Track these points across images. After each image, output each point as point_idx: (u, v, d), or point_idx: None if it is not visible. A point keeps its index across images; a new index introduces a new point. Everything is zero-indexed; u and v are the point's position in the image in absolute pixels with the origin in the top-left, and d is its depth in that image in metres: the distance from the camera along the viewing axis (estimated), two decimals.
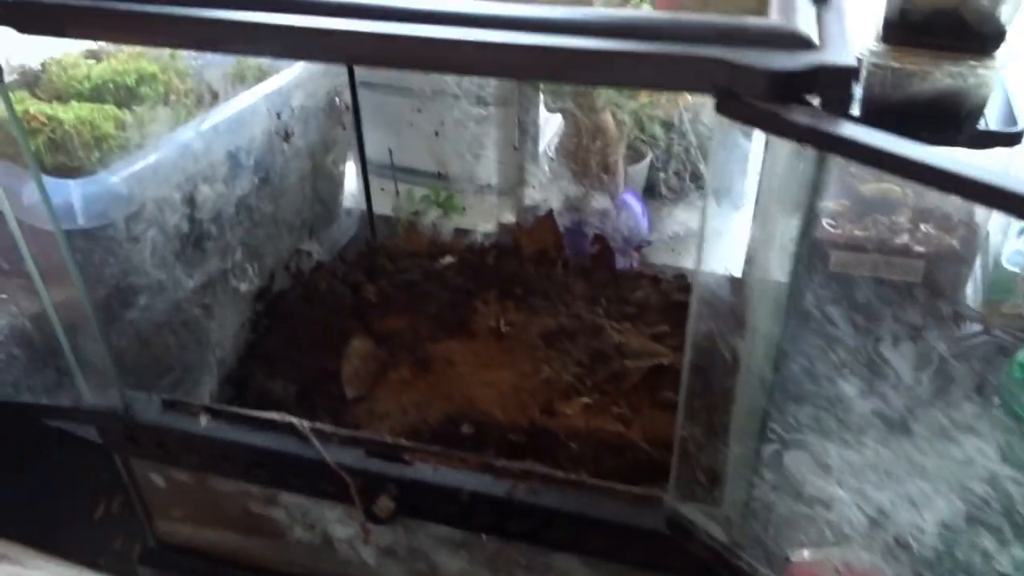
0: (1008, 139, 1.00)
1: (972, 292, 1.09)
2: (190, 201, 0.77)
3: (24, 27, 0.50)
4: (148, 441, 0.69)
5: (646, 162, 1.24)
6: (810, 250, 0.48)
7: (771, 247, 0.53)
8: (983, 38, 0.92)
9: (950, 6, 0.93)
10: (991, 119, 1.03)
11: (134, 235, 0.73)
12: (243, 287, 0.86)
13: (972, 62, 0.93)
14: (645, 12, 0.41)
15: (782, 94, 0.37)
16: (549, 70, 0.43)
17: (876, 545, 0.50)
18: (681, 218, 1.02)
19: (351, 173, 1.12)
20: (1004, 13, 0.92)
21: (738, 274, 0.70)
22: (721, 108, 0.39)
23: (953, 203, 1.12)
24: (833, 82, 0.38)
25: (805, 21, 0.41)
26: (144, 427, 0.68)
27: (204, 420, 0.68)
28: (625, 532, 0.61)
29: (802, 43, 0.39)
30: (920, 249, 1.08)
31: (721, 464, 0.53)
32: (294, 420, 0.66)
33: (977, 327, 1.04)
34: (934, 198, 1.08)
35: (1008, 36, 0.74)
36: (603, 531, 0.61)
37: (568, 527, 0.62)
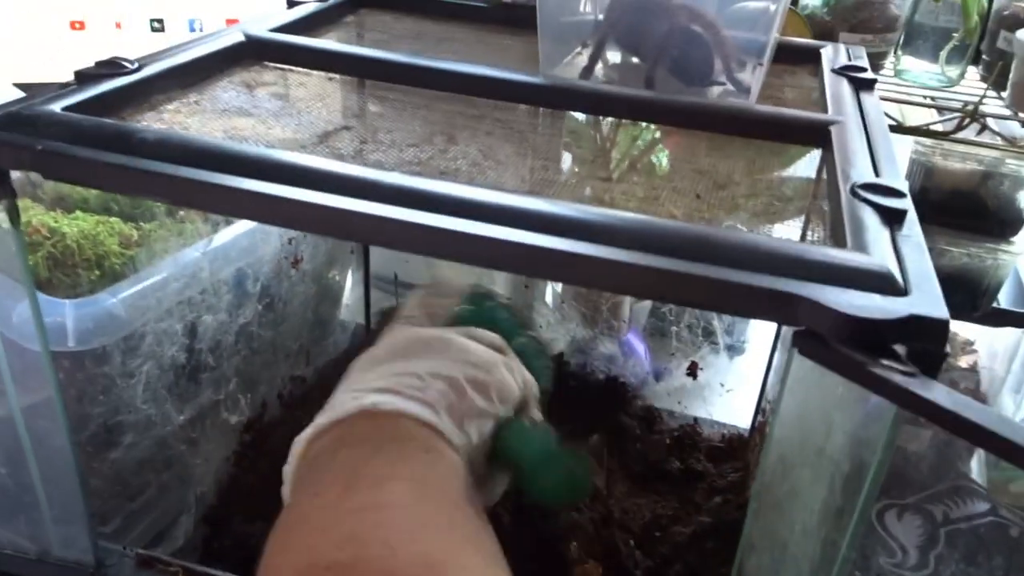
0: (1021, 319, 1.00)
1: (978, 466, 1.06)
2: (191, 330, 0.73)
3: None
4: None
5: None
6: None
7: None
8: (1002, 222, 0.94)
9: (969, 188, 0.94)
10: (1005, 299, 1.03)
11: (126, 363, 0.69)
12: (233, 419, 0.81)
13: (990, 244, 0.93)
14: (719, 231, 0.39)
15: (869, 343, 0.35)
16: (609, 281, 0.41)
17: None
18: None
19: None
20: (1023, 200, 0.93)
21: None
22: (801, 347, 0.37)
23: (960, 373, 1.11)
24: (925, 336, 0.35)
25: (887, 255, 0.40)
26: None
27: None
28: None
29: (890, 286, 0.37)
30: None
31: None
32: None
33: (984, 505, 1.01)
34: None
35: None
36: None
37: None
